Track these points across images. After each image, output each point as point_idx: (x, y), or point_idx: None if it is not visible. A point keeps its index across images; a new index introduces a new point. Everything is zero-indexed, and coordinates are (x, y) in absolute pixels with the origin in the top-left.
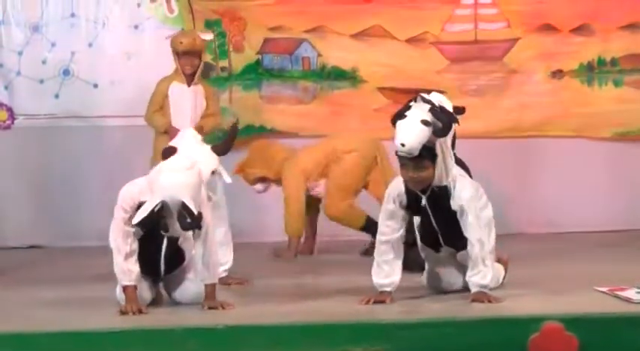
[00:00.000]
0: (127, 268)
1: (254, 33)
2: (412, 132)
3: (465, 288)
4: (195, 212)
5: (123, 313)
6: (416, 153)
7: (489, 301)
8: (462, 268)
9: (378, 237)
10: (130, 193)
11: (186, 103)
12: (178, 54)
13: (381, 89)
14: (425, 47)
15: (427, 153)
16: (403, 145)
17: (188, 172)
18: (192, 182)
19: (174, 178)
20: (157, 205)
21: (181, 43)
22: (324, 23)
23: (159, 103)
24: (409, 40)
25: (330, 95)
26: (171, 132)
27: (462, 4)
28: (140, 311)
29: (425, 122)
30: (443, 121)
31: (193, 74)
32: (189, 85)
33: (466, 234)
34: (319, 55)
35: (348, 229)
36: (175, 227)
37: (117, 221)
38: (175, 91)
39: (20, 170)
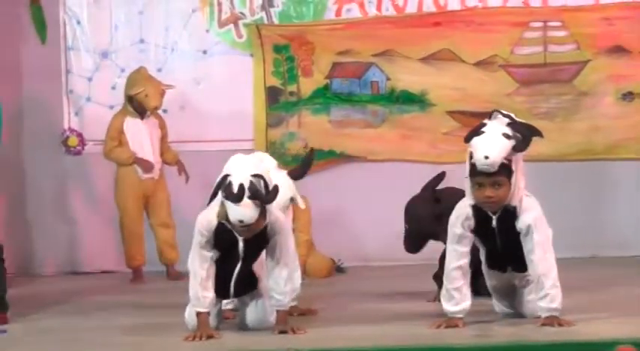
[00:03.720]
0: (201, 295)
1: (323, 57)
2: (495, 144)
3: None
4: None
5: (190, 338)
6: (496, 167)
7: (560, 325)
8: (527, 292)
9: (448, 264)
10: (207, 217)
11: (144, 135)
12: (140, 103)
13: (451, 113)
14: (494, 70)
15: (504, 169)
16: (487, 157)
17: (257, 161)
18: (261, 166)
19: (242, 160)
20: (222, 179)
21: (155, 107)
22: (393, 47)
23: (116, 139)
24: (478, 63)
25: (399, 119)
26: (138, 162)
27: (531, 27)
28: (210, 337)
29: (506, 135)
30: (523, 133)
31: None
32: (142, 118)
33: (529, 255)
34: (388, 78)
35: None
36: (246, 212)
37: (195, 245)
38: (130, 125)
39: (91, 195)
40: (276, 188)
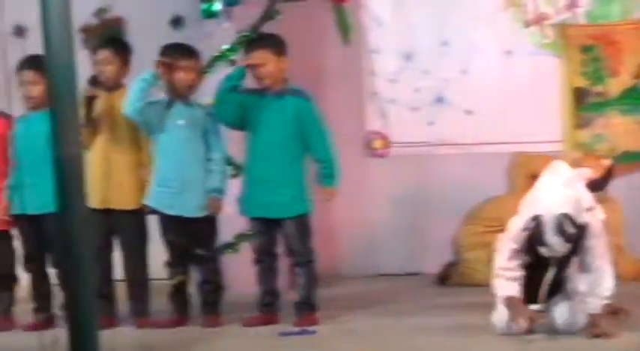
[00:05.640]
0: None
1: (631, 57)
2: None
3: None
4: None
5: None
6: None
7: None
8: None
9: None
10: (517, 218)
11: None
12: None
13: None
14: None
15: None
16: None
17: (565, 189)
18: (571, 197)
19: (552, 193)
20: (532, 220)
21: None
22: None
23: None
24: None
25: None
26: None
27: None
28: (531, 320)
29: None
30: None
31: None
32: None
33: None
34: None
35: None
36: (554, 248)
37: (505, 249)
38: None
39: (395, 198)
40: (584, 226)
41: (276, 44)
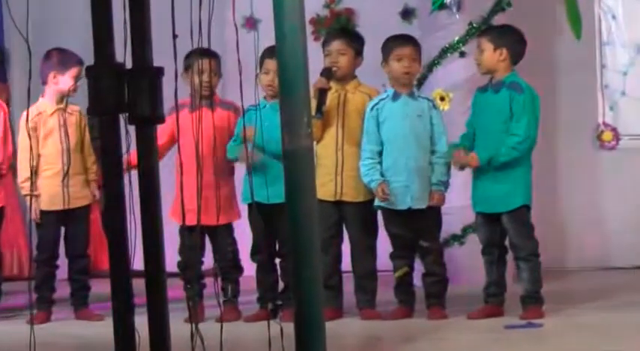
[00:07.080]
0: None
1: None
2: None
3: None
4: None
5: None
6: None
7: None
8: None
9: None
10: None
11: None
12: None
13: None
14: None
15: None
16: None
17: None
18: None
19: None
20: None
21: None
22: None
23: None
24: None
25: None
26: None
27: None
28: None
29: None
30: None
31: None
32: None
33: None
34: None
35: None
36: None
37: None
38: None
39: (625, 190)
40: None
41: (497, 35)
